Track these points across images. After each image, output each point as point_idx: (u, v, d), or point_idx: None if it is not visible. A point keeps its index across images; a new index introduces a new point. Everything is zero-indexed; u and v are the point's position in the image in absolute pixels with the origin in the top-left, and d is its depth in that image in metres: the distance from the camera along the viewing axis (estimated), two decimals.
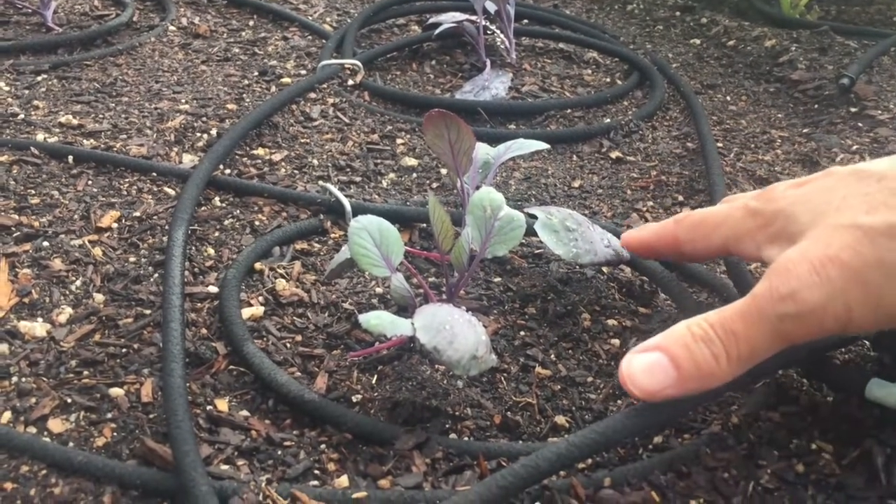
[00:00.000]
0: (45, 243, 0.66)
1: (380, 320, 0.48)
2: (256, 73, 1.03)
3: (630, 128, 0.94)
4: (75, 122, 0.86)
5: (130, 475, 0.46)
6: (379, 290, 0.64)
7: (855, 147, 0.90)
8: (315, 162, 0.83)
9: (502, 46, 1.13)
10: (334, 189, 0.73)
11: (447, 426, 0.51)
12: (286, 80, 1.01)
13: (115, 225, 0.69)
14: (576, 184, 0.83)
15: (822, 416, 0.50)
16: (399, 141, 0.89)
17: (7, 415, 0.50)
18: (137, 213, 0.71)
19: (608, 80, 1.11)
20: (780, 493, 0.45)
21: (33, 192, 0.73)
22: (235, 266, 0.63)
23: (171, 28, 1.16)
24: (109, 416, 0.51)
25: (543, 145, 0.70)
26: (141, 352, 0.56)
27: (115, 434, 0.49)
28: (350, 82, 1.00)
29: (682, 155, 0.89)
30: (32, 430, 0.49)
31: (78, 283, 0.62)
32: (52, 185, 0.74)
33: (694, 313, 0.60)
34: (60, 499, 0.44)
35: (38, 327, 0.57)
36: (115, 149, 0.81)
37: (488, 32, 1.13)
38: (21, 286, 0.61)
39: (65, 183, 0.75)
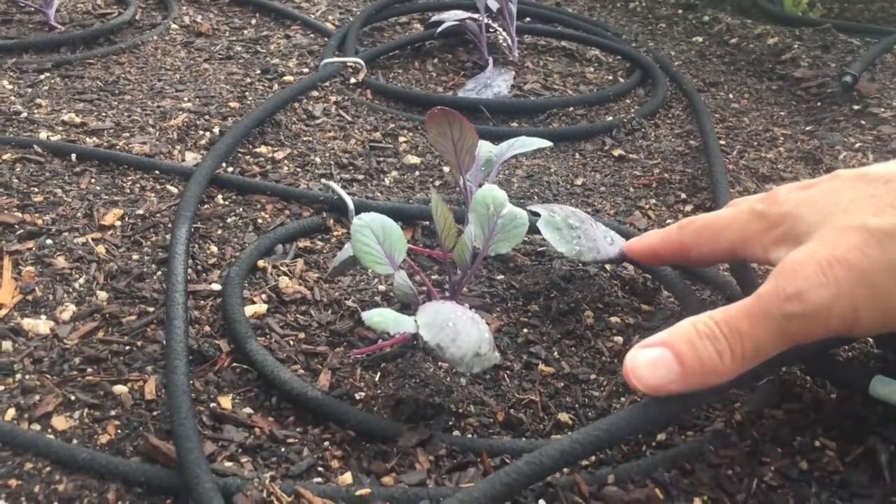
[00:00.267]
0: (49, 241, 0.66)
1: (383, 317, 0.48)
2: (259, 72, 1.03)
3: (632, 126, 0.94)
4: (78, 120, 0.86)
5: (134, 472, 0.46)
6: (382, 287, 0.64)
7: (858, 145, 0.90)
8: (318, 160, 0.83)
9: (504, 44, 1.13)
10: (337, 187, 0.73)
11: (450, 423, 0.51)
12: (288, 78, 1.01)
13: (118, 223, 0.69)
14: (578, 182, 0.83)
15: (825, 413, 0.50)
16: (401, 139, 0.89)
17: (11, 412, 0.50)
18: (140, 211, 0.71)
19: (610, 77, 1.11)
20: (783, 490, 0.45)
21: (36, 189, 0.73)
22: (238, 264, 0.63)
23: (174, 26, 1.16)
24: (113, 413, 0.51)
25: (546, 143, 0.70)
26: (144, 349, 0.56)
27: (118, 431, 0.49)
28: (352, 80, 1.00)
29: (685, 153, 0.89)
30: (36, 427, 0.49)
31: (81, 280, 0.62)
32: (55, 183, 0.74)
33: (697, 311, 0.60)
34: (64, 496, 0.45)
35: (41, 324, 0.57)
36: (117, 147, 0.81)
37: (490, 30, 1.13)
38: (24, 283, 0.61)
39: (68, 181, 0.75)
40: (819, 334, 0.44)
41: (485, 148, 0.66)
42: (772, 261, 0.49)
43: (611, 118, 0.97)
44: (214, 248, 0.67)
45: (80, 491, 0.45)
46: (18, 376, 0.53)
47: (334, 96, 0.96)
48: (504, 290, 0.65)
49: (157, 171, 0.78)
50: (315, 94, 0.96)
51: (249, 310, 0.59)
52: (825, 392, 0.53)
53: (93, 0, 1.22)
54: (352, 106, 0.95)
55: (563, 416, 0.52)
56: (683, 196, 0.80)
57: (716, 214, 0.56)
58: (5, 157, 0.77)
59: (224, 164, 0.79)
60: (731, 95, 1.05)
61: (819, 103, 1.01)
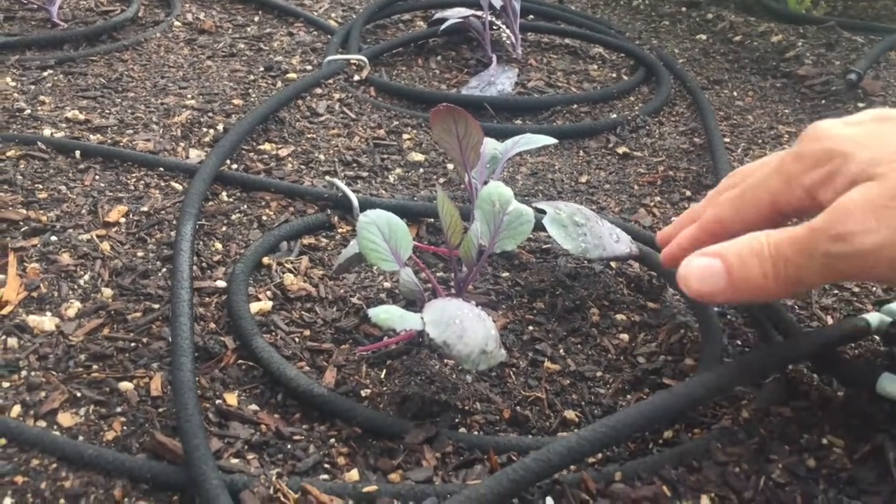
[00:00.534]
0: (53, 238, 0.66)
1: (389, 314, 0.48)
2: (262, 69, 1.03)
3: (637, 123, 0.94)
4: (82, 117, 0.86)
5: (140, 469, 0.46)
6: (387, 284, 0.64)
7: None
8: (322, 157, 0.83)
9: (508, 42, 1.13)
10: (341, 184, 0.73)
11: (456, 420, 0.51)
12: (292, 75, 1.01)
13: (122, 220, 0.69)
14: (583, 179, 0.83)
15: (832, 410, 0.50)
16: (405, 136, 0.89)
17: (17, 409, 0.50)
18: (145, 208, 0.71)
19: (614, 75, 1.10)
20: (791, 487, 0.45)
21: (41, 186, 0.73)
22: (243, 261, 0.63)
23: (177, 24, 1.16)
24: (119, 409, 0.51)
25: (551, 140, 0.69)
26: (150, 346, 0.56)
27: (124, 428, 0.49)
28: (356, 78, 1.00)
29: (689, 150, 0.89)
30: (42, 423, 0.49)
31: (86, 277, 0.62)
32: (59, 179, 0.74)
33: (703, 308, 0.60)
34: (71, 492, 0.44)
35: (46, 321, 0.57)
36: (121, 144, 0.81)
37: (494, 28, 1.13)
38: (29, 280, 0.61)
39: (72, 178, 0.75)
40: (863, 277, 0.44)
41: (489, 145, 0.66)
42: (819, 202, 0.46)
43: (615, 116, 0.97)
44: (219, 245, 0.67)
45: (87, 487, 0.45)
46: (24, 373, 0.53)
47: (338, 93, 0.96)
48: (509, 288, 0.64)
49: (162, 168, 0.78)
50: (319, 91, 0.96)
51: (255, 307, 0.59)
52: (832, 390, 0.53)
53: None
54: (355, 103, 0.95)
55: (570, 414, 0.52)
56: (688, 193, 0.80)
57: (742, 175, 0.53)
58: (9, 154, 0.77)
59: (228, 162, 0.79)
60: (735, 93, 1.05)
61: (823, 101, 1.01)
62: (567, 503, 0.44)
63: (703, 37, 1.26)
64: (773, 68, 1.12)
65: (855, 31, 1.21)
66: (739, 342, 0.58)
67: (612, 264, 0.68)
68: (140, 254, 0.66)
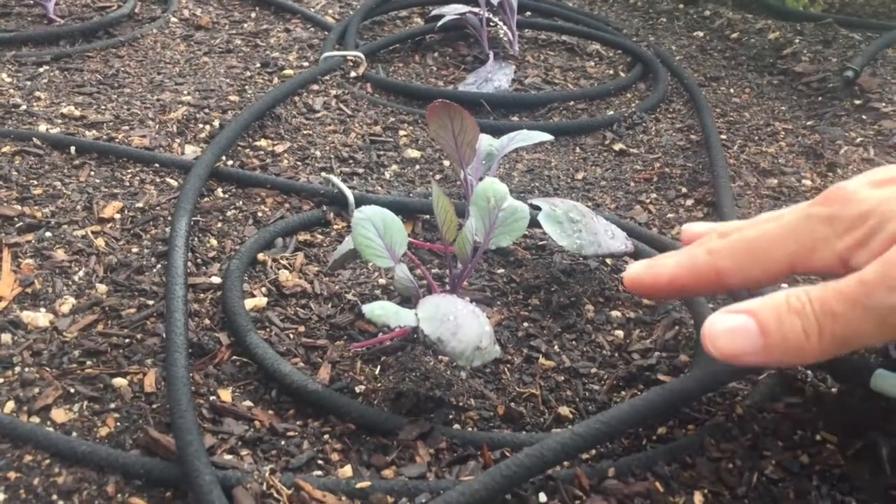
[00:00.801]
0: (48, 234, 0.66)
1: (384, 310, 0.48)
2: (259, 65, 1.03)
3: (633, 120, 0.94)
4: (77, 113, 0.86)
5: (134, 465, 0.46)
6: (382, 281, 0.64)
7: (859, 139, 0.89)
8: (318, 153, 0.83)
9: (505, 38, 1.13)
10: (337, 180, 0.73)
11: (451, 417, 0.51)
12: (288, 71, 1.01)
13: (117, 216, 0.69)
14: (579, 176, 0.83)
15: (826, 407, 0.50)
16: (402, 133, 0.89)
17: (10, 404, 0.50)
18: (140, 204, 0.71)
19: (611, 72, 1.10)
20: (784, 483, 0.45)
21: (36, 182, 0.73)
22: (238, 257, 0.63)
23: (173, 19, 1.15)
24: (113, 406, 0.51)
25: (547, 136, 0.69)
26: (144, 342, 0.56)
27: (118, 424, 0.49)
28: (352, 74, 1.00)
29: (686, 147, 0.89)
30: (36, 419, 0.49)
31: (81, 273, 0.62)
32: (54, 175, 0.74)
33: (699, 305, 0.60)
34: (64, 488, 0.44)
35: (40, 317, 0.57)
36: (117, 140, 0.81)
37: (491, 24, 1.13)
38: (24, 276, 0.61)
39: (67, 174, 0.75)
40: None
41: (485, 141, 0.66)
42: (850, 265, 0.44)
43: (611, 112, 0.97)
44: (214, 242, 0.67)
45: (80, 483, 0.45)
46: (18, 369, 0.53)
47: (334, 90, 0.96)
48: (505, 284, 0.64)
49: (157, 164, 0.77)
50: (315, 87, 0.96)
51: (249, 303, 0.59)
52: (826, 386, 0.53)
53: None
54: (352, 100, 0.95)
55: (564, 410, 0.52)
56: (684, 190, 0.80)
57: (757, 230, 0.48)
58: (4, 149, 0.77)
59: (224, 158, 0.79)
60: (732, 90, 1.05)
61: (820, 98, 1.01)
62: (560, 499, 0.44)
63: (700, 34, 1.26)
64: (770, 65, 1.12)
65: (852, 28, 1.21)
66: None
67: (608, 261, 0.68)
68: (135, 250, 0.65)
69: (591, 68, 1.11)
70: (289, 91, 0.91)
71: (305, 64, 1.04)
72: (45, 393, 0.51)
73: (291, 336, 0.57)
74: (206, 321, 0.58)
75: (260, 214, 0.71)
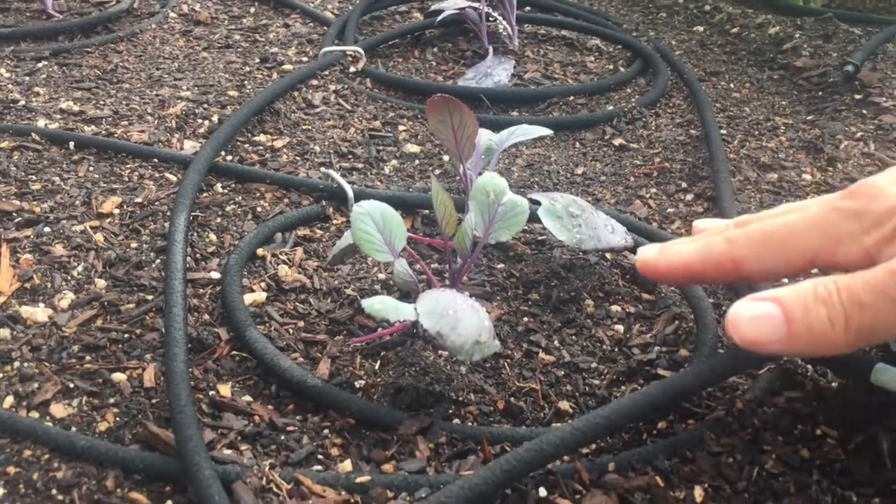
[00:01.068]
0: (47, 229, 0.66)
1: (383, 305, 0.48)
2: (258, 60, 1.02)
3: (633, 115, 0.94)
4: (76, 108, 0.85)
5: (133, 459, 0.45)
6: (381, 276, 0.64)
7: (859, 134, 0.89)
8: (317, 148, 0.82)
9: (505, 33, 1.13)
10: (336, 175, 0.73)
11: (450, 411, 0.51)
12: (287, 66, 1.01)
13: (116, 211, 0.69)
14: (579, 171, 0.83)
15: (827, 401, 0.50)
16: (401, 128, 0.89)
17: (9, 399, 0.50)
18: (139, 199, 0.71)
19: (611, 67, 1.10)
20: (785, 478, 0.45)
21: (34, 177, 0.73)
22: (237, 252, 0.63)
23: (172, 15, 1.15)
24: (112, 401, 0.51)
25: (546, 131, 0.69)
26: (143, 337, 0.56)
27: (117, 419, 0.49)
28: (352, 69, 1.00)
29: (686, 142, 0.89)
30: (35, 414, 0.49)
31: (79, 268, 0.62)
32: (53, 170, 0.74)
33: (700, 299, 0.60)
34: (63, 483, 0.44)
35: (39, 312, 0.57)
36: (116, 135, 0.81)
37: (491, 19, 1.13)
38: (22, 271, 0.61)
39: (66, 169, 0.75)
40: None
41: (485, 136, 0.66)
42: (876, 261, 0.44)
43: (611, 107, 0.97)
44: (213, 237, 0.67)
45: (79, 478, 0.45)
46: (17, 364, 0.53)
47: (334, 85, 0.96)
48: (504, 279, 0.64)
49: (156, 160, 0.77)
50: (314, 82, 0.96)
51: (248, 298, 0.59)
52: (827, 380, 0.53)
53: None
54: (351, 95, 0.95)
55: (564, 405, 0.52)
56: (684, 185, 0.80)
57: (779, 221, 0.47)
58: (3, 144, 0.77)
59: (223, 153, 0.78)
60: (732, 85, 1.05)
61: (820, 93, 1.00)
62: (560, 493, 0.44)
63: (701, 28, 1.26)
64: (770, 60, 1.11)
65: (852, 22, 1.21)
66: None
67: (608, 255, 0.68)
68: (134, 245, 0.65)
69: (591, 63, 1.11)
70: (288, 86, 0.91)
71: (305, 59, 1.04)
72: (44, 388, 0.51)
73: (291, 331, 0.57)
74: (206, 316, 0.58)
75: (259, 209, 0.71)
